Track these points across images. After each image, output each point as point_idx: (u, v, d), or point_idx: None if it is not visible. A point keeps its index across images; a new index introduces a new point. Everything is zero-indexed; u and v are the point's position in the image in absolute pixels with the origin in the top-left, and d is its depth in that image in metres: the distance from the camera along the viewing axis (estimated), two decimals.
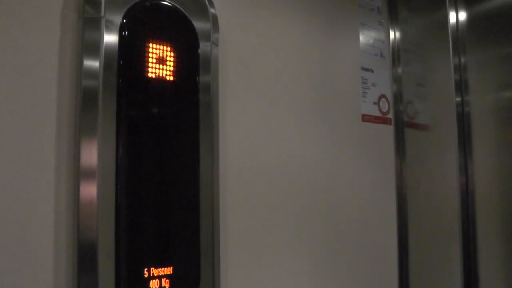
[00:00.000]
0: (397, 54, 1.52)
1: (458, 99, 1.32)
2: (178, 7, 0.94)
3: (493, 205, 1.27)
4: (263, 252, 1.12)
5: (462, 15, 1.35)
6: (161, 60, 0.90)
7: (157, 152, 0.89)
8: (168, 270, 0.88)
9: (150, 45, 0.89)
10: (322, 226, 1.26)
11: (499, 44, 1.30)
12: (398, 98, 1.50)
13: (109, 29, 0.84)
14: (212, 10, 1.01)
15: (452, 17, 1.35)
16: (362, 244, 1.35)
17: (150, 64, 0.88)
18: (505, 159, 1.26)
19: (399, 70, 1.51)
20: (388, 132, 1.48)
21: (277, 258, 1.15)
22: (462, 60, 1.34)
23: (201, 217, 0.94)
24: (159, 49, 0.90)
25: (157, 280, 0.86)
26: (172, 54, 0.91)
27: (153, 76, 0.89)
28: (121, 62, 0.85)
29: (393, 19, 1.54)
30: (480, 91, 1.31)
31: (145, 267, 0.85)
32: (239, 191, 1.09)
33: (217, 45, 1.01)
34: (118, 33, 0.85)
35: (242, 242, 1.08)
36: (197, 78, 0.96)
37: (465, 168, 1.30)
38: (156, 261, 0.87)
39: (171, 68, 0.91)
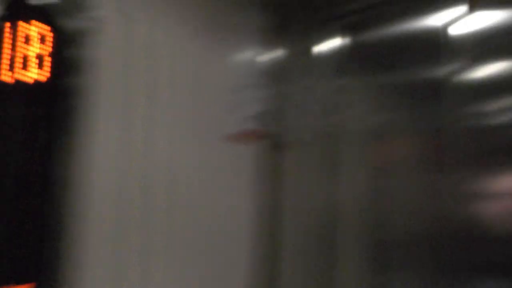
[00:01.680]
0: (275, 74, 1.54)
1: (329, 120, 1.41)
2: (47, 6, 0.88)
3: (352, 221, 1.36)
4: (129, 260, 1.11)
5: (339, 41, 1.44)
6: (23, 62, 0.83)
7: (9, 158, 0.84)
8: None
9: (11, 45, 0.81)
10: (182, 234, 1.26)
11: (373, 72, 1.41)
12: (272, 116, 1.51)
13: None
14: (87, 10, 0.96)
15: (330, 43, 1.45)
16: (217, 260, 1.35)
17: (10, 67, 0.81)
18: (367, 179, 1.35)
19: (275, 89, 1.53)
20: (260, 148, 1.49)
21: (140, 265, 1.14)
22: (337, 83, 1.43)
23: (63, 226, 0.91)
24: (23, 49, 0.83)
25: None
26: (37, 55, 0.85)
27: (12, 80, 0.82)
28: None
29: (274, 39, 1.55)
30: (352, 114, 1.40)
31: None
32: (107, 198, 1.06)
33: (93, 47, 0.97)
34: None
35: (107, 251, 1.05)
36: (68, 80, 0.92)
37: (330, 186, 1.39)
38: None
39: (36, 71, 0.85)
